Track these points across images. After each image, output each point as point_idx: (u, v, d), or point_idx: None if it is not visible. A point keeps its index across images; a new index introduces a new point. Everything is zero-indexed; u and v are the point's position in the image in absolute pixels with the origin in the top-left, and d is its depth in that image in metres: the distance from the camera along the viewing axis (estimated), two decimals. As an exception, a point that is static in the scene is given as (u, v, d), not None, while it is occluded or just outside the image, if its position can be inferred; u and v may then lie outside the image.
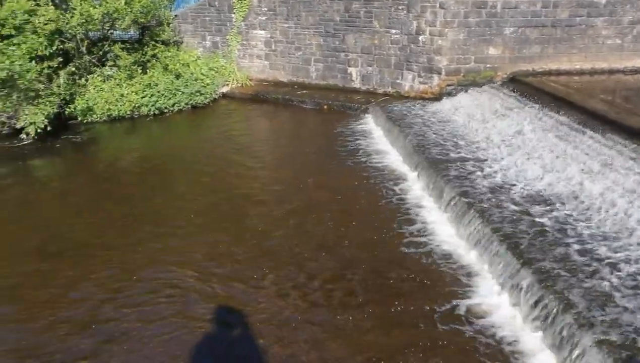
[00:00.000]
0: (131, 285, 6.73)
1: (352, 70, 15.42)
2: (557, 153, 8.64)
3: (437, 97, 13.57)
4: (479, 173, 8.65)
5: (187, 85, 15.17)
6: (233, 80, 16.88)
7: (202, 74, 15.85)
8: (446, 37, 13.22)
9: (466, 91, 13.06)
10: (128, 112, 14.46)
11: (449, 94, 13.34)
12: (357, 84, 15.46)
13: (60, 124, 13.71)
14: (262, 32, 16.76)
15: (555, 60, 13.56)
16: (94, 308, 6.27)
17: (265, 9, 16.43)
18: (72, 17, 13.62)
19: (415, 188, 9.20)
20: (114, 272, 7.01)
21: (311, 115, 14.54)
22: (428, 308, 5.94)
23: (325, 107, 14.76)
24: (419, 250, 7.19)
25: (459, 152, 9.77)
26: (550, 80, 12.17)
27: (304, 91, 15.80)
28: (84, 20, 13.93)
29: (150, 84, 14.77)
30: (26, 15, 13.04)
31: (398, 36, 14.17)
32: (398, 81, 14.60)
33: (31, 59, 13.06)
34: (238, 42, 17.22)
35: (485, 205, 7.38)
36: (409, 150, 10.32)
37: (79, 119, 14.21)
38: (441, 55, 13.44)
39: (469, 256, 6.89)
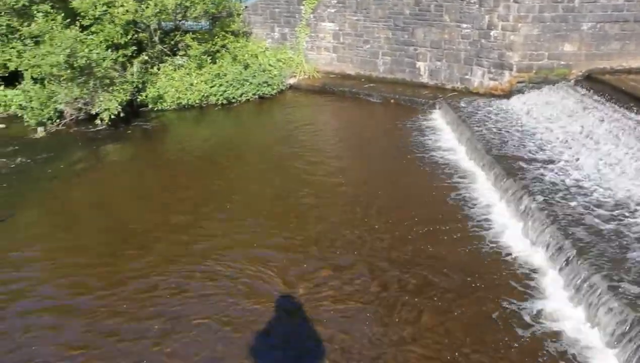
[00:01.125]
0: (194, 268, 6.95)
1: (421, 64, 15.28)
2: (637, 156, 8.32)
3: (507, 94, 13.28)
4: (550, 174, 8.43)
5: (255, 75, 15.44)
6: (300, 71, 17.05)
7: (270, 65, 16.10)
8: (519, 32, 12.88)
9: (538, 89, 12.71)
10: (197, 101, 14.88)
11: (520, 91, 13.02)
12: (425, 78, 15.31)
13: (132, 111, 14.30)
14: (331, 24, 16.83)
15: (637, 57, 12.96)
16: (158, 289, 6.53)
17: (335, 1, 16.48)
18: (147, 7, 14.11)
19: (482, 186, 9.07)
20: (177, 257, 7.26)
21: (378, 109, 14.51)
22: (490, 308, 5.85)
23: (392, 101, 14.70)
24: (484, 249, 7.09)
25: (529, 151, 9.55)
26: (630, 78, 11.66)
27: (371, 84, 15.78)
28: (158, 11, 14.39)
29: (219, 74, 15.13)
30: (105, 6, 13.63)
31: (469, 30, 13.93)
32: (467, 77, 14.37)
33: (107, 48, 13.67)
34: (306, 34, 17.36)
35: (556, 208, 7.20)
36: (477, 147, 10.17)
37: (150, 106, 14.75)
38: (513, 51, 13.12)
39: (536, 257, 6.74)
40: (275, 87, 15.78)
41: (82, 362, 5.41)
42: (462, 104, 12.97)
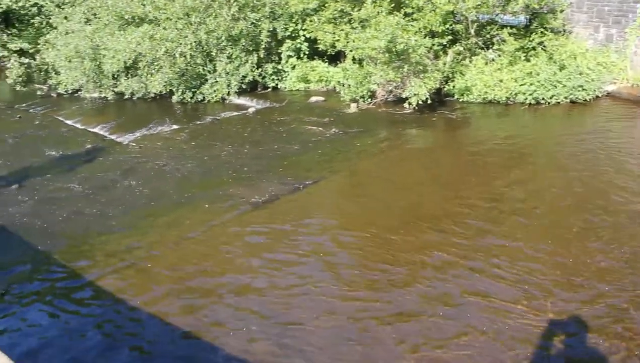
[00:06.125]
0: (473, 262, 7.42)
1: None
2: None
3: None
4: None
5: (569, 78, 15.15)
6: (622, 78, 16.22)
7: (588, 68, 15.60)
8: None
9: None
10: (503, 98, 15.20)
11: None
12: None
13: (438, 99, 15.32)
14: (672, 27, 15.68)
15: None
16: (434, 272, 7.24)
17: (682, 0, 15.31)
18: (469, -1, 14.98)
19: None
20: (460, 247, 7.82)
21: None
22: None
23: None
24: None
25: None
26: None
27: None
28: (478, 3, 15.20)
29: (531, 72, 15.12)
30: (430, -4, 14.92)
31: None
32: None
33: (424, 36, 15.02)
34: (637, 36, 16.48)
35: None
36: None
37: (455, 97, 15.65)
38: None
39: None
40: (590, 92, 15.26)
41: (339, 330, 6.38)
42: None
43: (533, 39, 15.93)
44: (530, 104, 15.03)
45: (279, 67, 17.37)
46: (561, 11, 16.90)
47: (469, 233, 8.20)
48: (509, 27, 16.14)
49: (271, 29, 16.48)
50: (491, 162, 11.33)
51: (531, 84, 14.96)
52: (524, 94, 14.98)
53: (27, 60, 18.95)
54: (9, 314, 6.61)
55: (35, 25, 22.51)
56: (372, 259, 7.62)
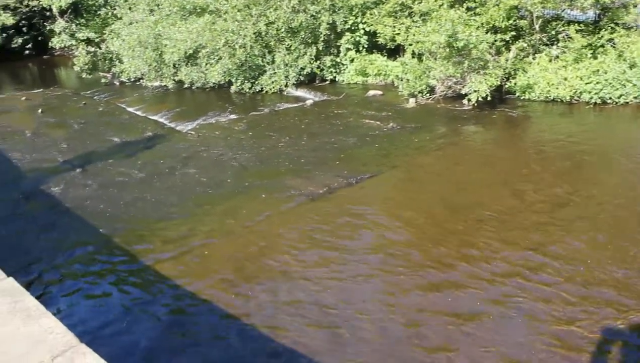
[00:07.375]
0: (525, 269, 7.22)
1: None
2: None
3: None
4: None
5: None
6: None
7: (660, 66, 15.01)
8: None
9: None
10: (567, 97, 14.62)
11: None
12: None
13: (499, 96, 15.02)
14: None
15: None
16: (486, 274, 7.08)
17: None
18: (536, -7, 14.54)
19: None
20: (512, 248, 7.65)
21: None
22: None
23: None
24: None
25: None
26: None
27: None
28: (549, -3, 14.73)
29: (598, 70, 14.61)
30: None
31: None
32: None
33: (487, 31, 14.72)
34: None
35: None
36: None
37: (517, 94, 15.25)
38: None
39: None
40: (663, 93, 14.64)
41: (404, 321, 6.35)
42: None
43: (602, 36, 15.29)
44: (595, 103, 14.44)
45: (338, 59, 17.44)
46: (634, 6, 16.19)
47: (529, 236, 7.99)
48: (576, 23, 15.55)
49: (331, 21, 16.53)
50: (553, 163, 10.95)
51: (598, 83, 14.37)
52: (590, 92, 14.43)
53: (93, 49, 19.67)
54: (71, 292, 6.88)
55: (102, 15, 23.29)
56: (428, 256, 7.55)
